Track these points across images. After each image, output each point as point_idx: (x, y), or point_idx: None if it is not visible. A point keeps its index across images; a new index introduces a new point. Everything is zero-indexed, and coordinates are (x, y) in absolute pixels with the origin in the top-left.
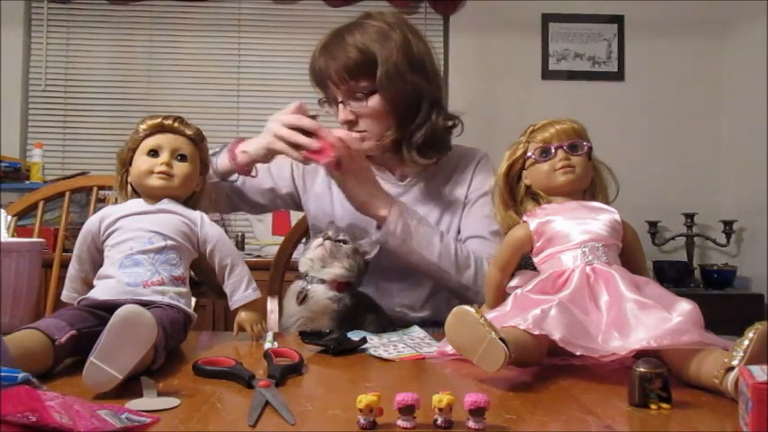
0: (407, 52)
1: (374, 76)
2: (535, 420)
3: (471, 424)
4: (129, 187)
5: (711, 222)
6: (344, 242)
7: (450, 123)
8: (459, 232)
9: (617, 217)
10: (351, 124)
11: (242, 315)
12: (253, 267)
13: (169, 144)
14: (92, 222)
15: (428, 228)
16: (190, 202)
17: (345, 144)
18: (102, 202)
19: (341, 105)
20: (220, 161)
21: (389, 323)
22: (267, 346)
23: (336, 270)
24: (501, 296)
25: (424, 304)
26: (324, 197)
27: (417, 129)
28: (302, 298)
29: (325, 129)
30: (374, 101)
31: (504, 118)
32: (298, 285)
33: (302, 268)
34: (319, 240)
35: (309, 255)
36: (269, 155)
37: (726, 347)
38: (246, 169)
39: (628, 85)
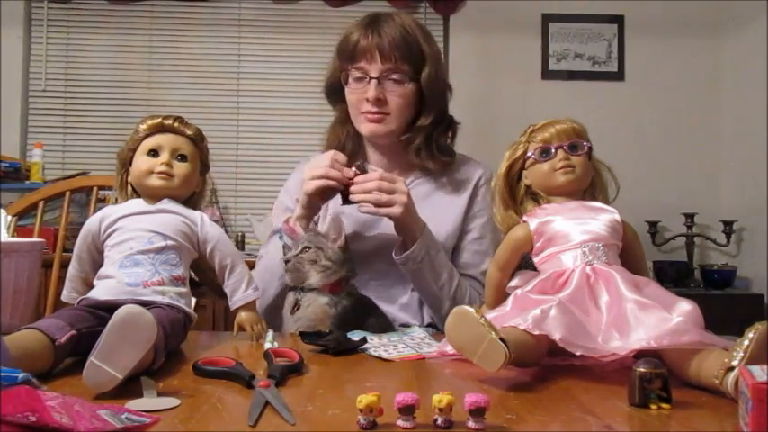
0: (441, 63)
1: (415, 65)
2: (535, 420)
3: (471, 424)
4: (129, 187)
5: (711, 222)
6: (306, 248)
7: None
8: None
9: (617, 217)
10: (379, 103)
11: (242, 315)
12: (253, 267)
13: (169, 144)
14: (92, 222)
15: (442, 259)
16: (190, 202)
17: (387, 181)
18: (102, 202)
19: (373, 82)
20: (280, 246)
21: (390, 325)
22: (267, 346)
23: (317, 277)
24: (501, 296)
25: (422, 306)
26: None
27: (430, 132)
28: (295, 308)
29: (364, 179)
30: (411, 88)
31: (504, 118)
32: (290, 296)
33: (289, 283)
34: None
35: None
36: (315, 198)
37: (726, 347)
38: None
39: (628, 85)
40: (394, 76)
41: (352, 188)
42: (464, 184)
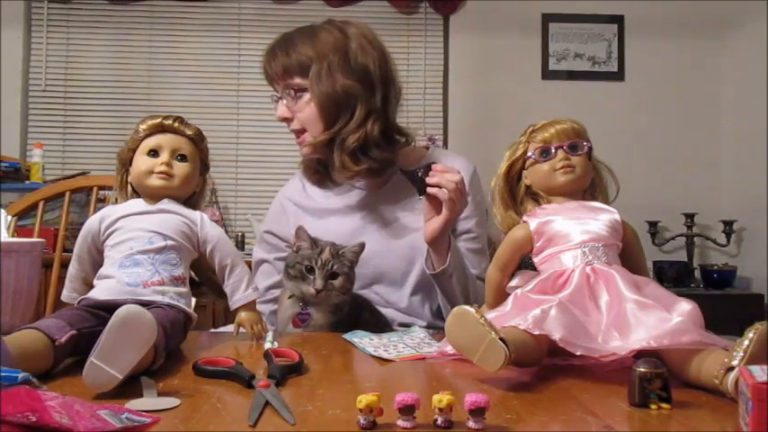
0: (346, 56)
1: (306, 74)
2: (535, 420)
3: (471, 424)
4: (129, 187)
5: (711, 222)
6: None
7: (401, 138)
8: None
9: (617, 217)
10: (287, 121)
11: (242, 315)
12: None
13: (169, 144)
14: (92, 222)
15: (464, 268)
16: (190, 202)
17: (458, 191)
18: (102, 202)
19: (280, 101)
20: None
21: (385, 322)
22: (267, 346)
23: (335, 300)
24: (501, 296)
25: (423, 307)
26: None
27: (350, 133)
28: (305, 323)
29: (444, 169)
30: (305, 99)
31: (504, 118)
32: (296, 308)
33: (294, 291)
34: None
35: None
36: None
37: (726, 347)
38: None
39: (628, 85)
40: (290, 92)
41: (437, 176)
42: None
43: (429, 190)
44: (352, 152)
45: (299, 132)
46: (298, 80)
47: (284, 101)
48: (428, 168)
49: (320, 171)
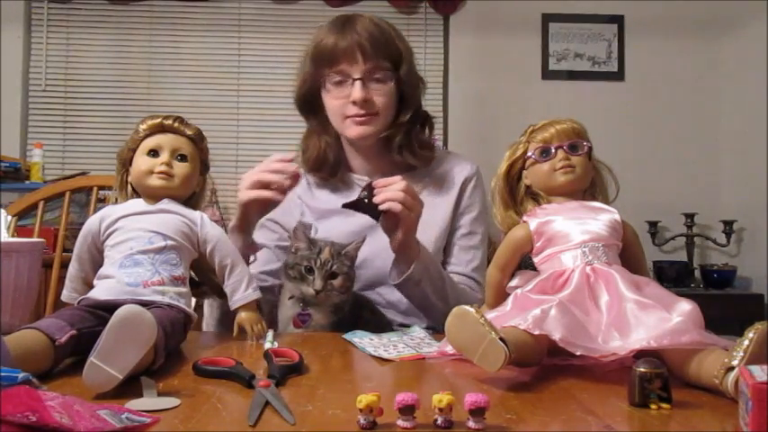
0: (414, 58)
1: (393, 62)
2: (535, 420)
3: (471, 424)
4: (129, 187)
5: (711, 222)
6: (342, 274)
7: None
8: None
9: (617, 217)
10: (366, 104)
11: (242, 315)
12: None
13: (169, 144)
14: (92, 222)
15: (437, 271)
16: (190, 202)
17: (409, 195)
18: (102, 202)
19: (358, 83)
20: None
21: (386, 322)
22: (267, 346)
23: (336, 299)
24: (501, 296)
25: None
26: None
27: (418, 123)
28: (306, 324)
29: (385, 182)
30: (390, 85)
31: (504, 118)
32: (296, 308)
33: (294, 292)
34: (291, 303)
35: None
36: (250, 208)
37: (726, 347)
38: (252, 248)
39: (628, 85)
40: (377, 75)
41: (380, 192)
42: (449, 181)
43: (382, 207)
44: (422, 141)
45: (371, 116)
46: (387, 64)
47: (366, 82)
48: (370, 188)
49: (328, 169)
